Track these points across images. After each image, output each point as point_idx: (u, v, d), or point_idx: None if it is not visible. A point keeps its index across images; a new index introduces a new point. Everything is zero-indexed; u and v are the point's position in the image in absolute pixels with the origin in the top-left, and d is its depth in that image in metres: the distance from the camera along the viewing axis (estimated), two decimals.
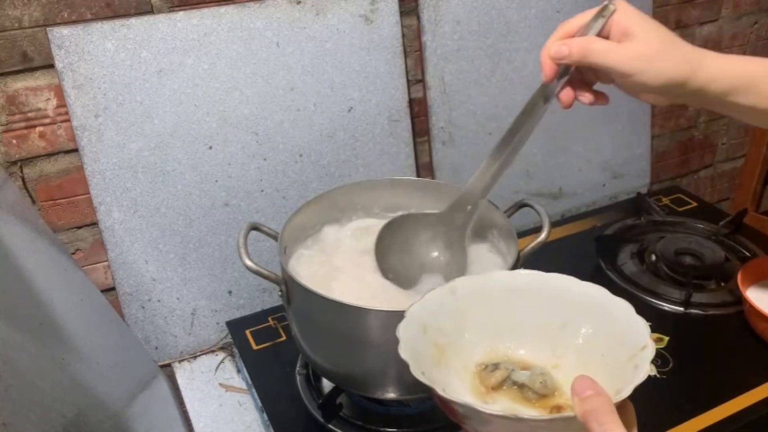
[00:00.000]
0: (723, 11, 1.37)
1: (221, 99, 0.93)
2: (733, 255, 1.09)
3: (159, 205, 0.93)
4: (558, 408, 0.52)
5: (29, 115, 0.86)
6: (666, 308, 0.99)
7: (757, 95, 0.61)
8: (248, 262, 0.73)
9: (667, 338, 0.91)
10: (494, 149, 0.72)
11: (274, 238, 0.82)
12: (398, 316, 0.54)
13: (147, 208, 0.93)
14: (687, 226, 1.18)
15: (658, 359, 0.88)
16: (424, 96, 1.10)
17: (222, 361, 0.99)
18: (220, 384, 0.95)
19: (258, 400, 0.87)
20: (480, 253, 0.85)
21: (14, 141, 0.86)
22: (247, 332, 0.97)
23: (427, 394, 0.49)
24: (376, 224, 0.83)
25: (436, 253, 0.82)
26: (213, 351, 1.02)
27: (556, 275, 0.59)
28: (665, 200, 1.28)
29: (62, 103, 0.86)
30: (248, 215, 0.99)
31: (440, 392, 0.46)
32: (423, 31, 1.05)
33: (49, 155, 0.88)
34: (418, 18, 1.05)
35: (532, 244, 0.78)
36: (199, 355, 1.01)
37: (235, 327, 0.99)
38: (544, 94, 0.66)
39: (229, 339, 1.01)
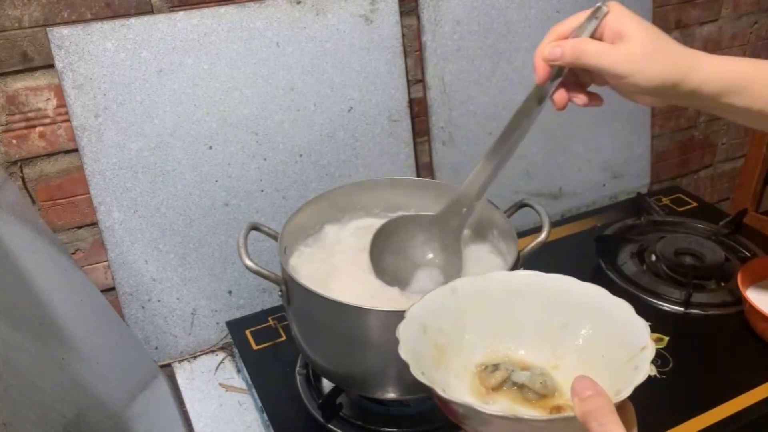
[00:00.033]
0: (723, 11, 1.37)
1: (221, 99, 0.93)
2: (733, 255, 1.09)
3: (159, 205, 0.93)
4: (558, 408, 0.52)
5: (29, 115, 0.86)
6: (666, 308, 0.99)
7: (750, 97, 0.61)
8: (248, 262, 0.73)
9: (667, 338, 0.91)
10: (489, 151, 0.72)
11: (274, 238, 0.82)
12: (398, 316, 0.54)
13: (147, 208, 0.93)
14: (687, 226, 1.18)
15: (658, 359, 0.88)
16: (424, 96, 1.10)
17: (222, 361, 0.99)
18: (220, 384, 0.95)
19: (258, 400, 0.87)
20: (480, 253, 0.85)
21: (14, 141, 0.86)
22: (247, 332, 0.97)
23: (427, 394, 0.49)
24: (378, 224, 0.83)
25: (431, 255, 0.82)
26: (213, 351, 1.02)
27: (556, 276, 0.59)
28: (665, 200, 1.28)
29: (62, 103, 0.86)
30: (248, 215, 0.99)
31: (440, 393, 0.46)
32: (423, 31, 1.05)
33: (49, 155, 0.88)
34: (418, 18, 1.05)
35: (532, 244, 0.78)
36: (199, 355, 1.01)
37: (235, 327, 0.99)
38: (538, 96, 0.66)
39: (229, 339, 1.01)
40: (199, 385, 0.95)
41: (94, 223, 0.92)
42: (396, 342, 0.51)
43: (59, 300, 0.79)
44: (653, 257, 1.08)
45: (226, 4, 0.91)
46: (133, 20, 0.86)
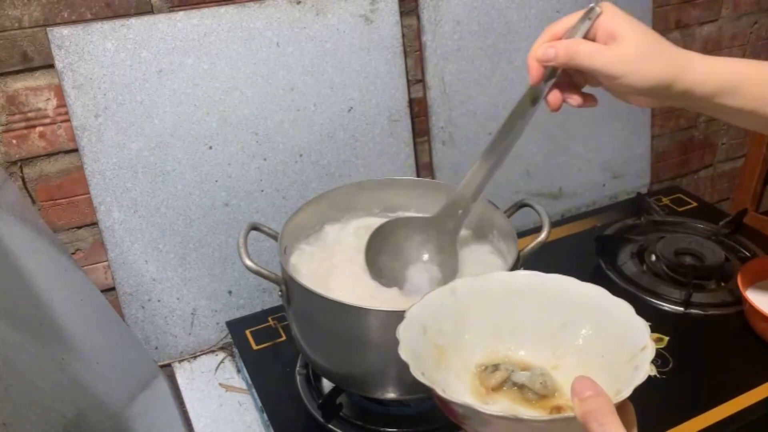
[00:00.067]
0: (723, 11, 1.37)
1: (221, 99, 0.93)
2: (733, 255, 1.09)
3: (159, 205, 0.93)
4: (558, 409, 0.52)
5: (29, 115, 0.86)
6: (666, 308, 0.99)
7: (743, 97, 0.61)
8: (248, 262, 0.73)
9: (667, 338, 0.91)
10: (484, 153, 0.72)
11: (274, 238, 0.82)
12: (398, 316, 0.54)
13: (147, 208, 0.93)
14: (687, 226, 1.18)
15: (658, 359, 0.88)
16: (424, 96, 1.10)
17: (222, 361, 0.99)
18: (220, 384, 0.95)
19: (258, 400, 0.87)
20: (480, 253, 0.85)
21: (14, 141, 0.86)
22: (247, 332, 0.97)
23: (427, 394, 0.49)
24: (378, 223, 0.83)
25: (427, 257, 0.82)
26: (213, 351, 1.02)
27: (556, 276, 0.59)
28: (665, 200, 1.28)
29: (62, 103, 0.86)
30: (248, 215, 0.99)
31: (440, 393, 0.46)
32: (423, 31, 1.05)
33: (49, 155, 0.88)
34: (418, 18, 1.05)
35: (532, 244, 0.78)
36: (199, 355, 1.01)
37: (235, 327, 0.99)
38: (532, 97, 0.66)
39: (229, 339, 1.01)
40: (199, 385, 0.95)
41: (94, 223, 0.92)
42: (396, 342, 0.51)
43: (59, 300, 0.79)
44: (653, 257, 1.08)
45: (226, 4, 0.91)
46: (133, 20, 0.86)
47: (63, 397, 0.69)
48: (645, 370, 0.46)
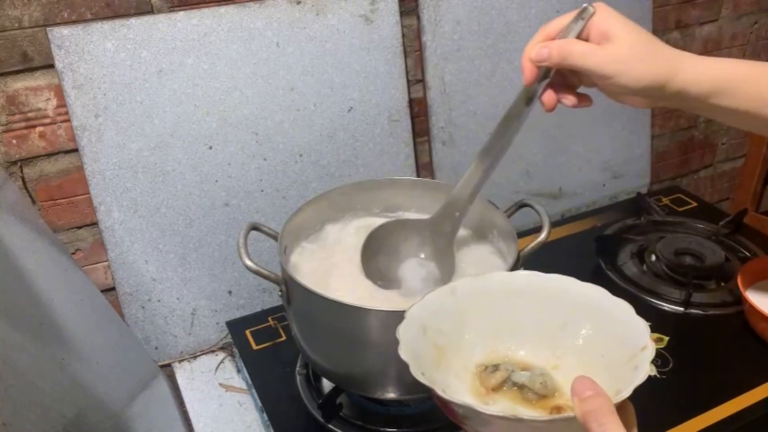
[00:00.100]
0: (723, 11, 1.36)
1: (221, 99, 0.93)
2: (733, 255, 1.09)
3: (159, 205, 0.93)
4: (558, 409, 0.52)
5: (29, 115, 0.86)
6: (666, 308, 0.99)
7: (737, 97, 0.61)
8: (248, 262, 0.73)
9: (667, 338, 0.91)
10: (479, 154, 0.72)
11: (274, 238, 0.82)
12: (398, 316, 0.54)
13: (147, 208, 0.93)
14: (687, 226, 1.18)
15: (658, 359, 0.88)
16: (424, 96, 1.10)
17: (222, 361, 0.99)
18: (220, 384, 0.95)
19: (258, 400, 0.87)
20: (480, 253, 0.85)
21: (14, 141, 0.86)
22: (247, 332, 0.97)
23: (427, 394, 0.49)
24: (378, 223, 0.83)
25: (423, 259, 0.81)
26: (213, 351, 1.02)
27: (556, 276, 0.59)
28: (665, 200, 1.28)
29: (62, 103, 0.86)
30: (248, 215, 0.99)
31: (440, 393, 0.46)
32: (423, 31, 1.05)
33: (49, 155, 0.88)
34: (418, 18, 1.05)
35: (532, 244, 0.78)
36: (199, 355, 1.01)
37: (235, 327, 0.99)
38: (526, 97, 0.66)
39: (229, 339, 1.01)
40: (199, 385, 0.95)
41: (94, 223, 0.92)
42: (396, 342, 0.51)
43: (59, 300, 0.79)
44: (653, 257, 1.08)
45: (226, 4, 0.91)
46: (133, 20, 0.86)
47: (63, 397, 0.69)
48: (645, 370, 0.46)
